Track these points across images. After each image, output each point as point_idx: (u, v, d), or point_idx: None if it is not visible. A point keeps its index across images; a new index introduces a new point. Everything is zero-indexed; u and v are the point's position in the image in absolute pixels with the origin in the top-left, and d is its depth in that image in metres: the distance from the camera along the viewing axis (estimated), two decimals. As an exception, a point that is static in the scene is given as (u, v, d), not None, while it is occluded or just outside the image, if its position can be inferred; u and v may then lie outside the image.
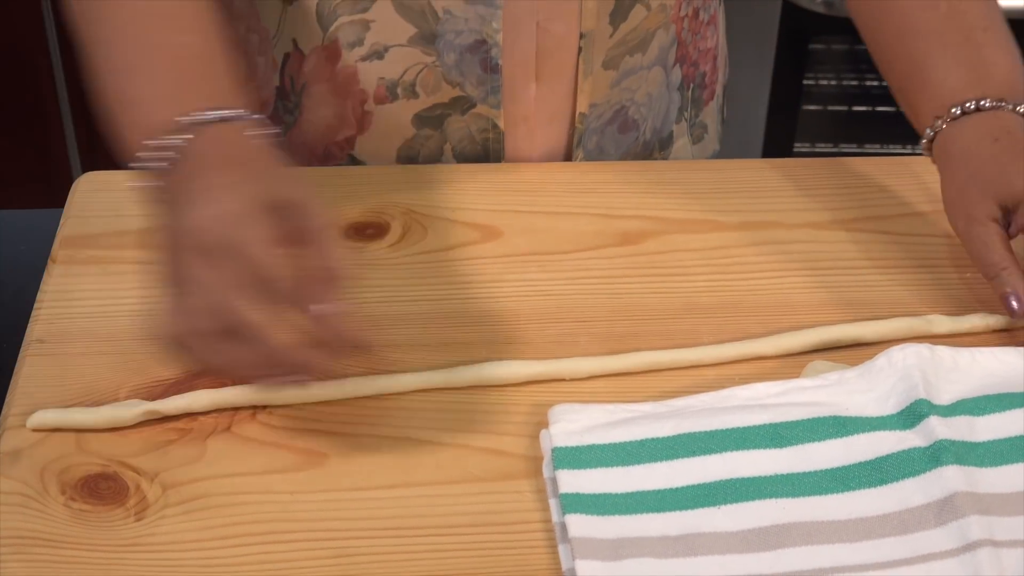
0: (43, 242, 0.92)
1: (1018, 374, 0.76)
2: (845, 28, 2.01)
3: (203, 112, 0.73)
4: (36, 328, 0.82)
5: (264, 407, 0.76)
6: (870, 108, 2.10)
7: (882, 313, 0.84)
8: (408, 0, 0.92)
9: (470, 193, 0.94)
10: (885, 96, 2.10)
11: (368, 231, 0.90)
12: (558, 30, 0.94)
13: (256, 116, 0.75)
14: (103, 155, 2.15)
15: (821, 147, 2.08)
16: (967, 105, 0.82)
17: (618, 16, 0.96)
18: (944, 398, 0.74)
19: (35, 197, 1.99)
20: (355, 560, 0.68)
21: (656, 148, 1.05)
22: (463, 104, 0.96)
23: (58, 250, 0.88)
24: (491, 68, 0.94)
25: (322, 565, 0.68)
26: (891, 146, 2.07)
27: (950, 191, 0.83)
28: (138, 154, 0.74)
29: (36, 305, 0.84)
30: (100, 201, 0.92)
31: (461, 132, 0.98)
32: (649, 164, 1.04)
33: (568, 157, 1.01)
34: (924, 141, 0.85)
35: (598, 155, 1.01)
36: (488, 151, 0.99)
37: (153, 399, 0.76)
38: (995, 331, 0.83)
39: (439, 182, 0.95)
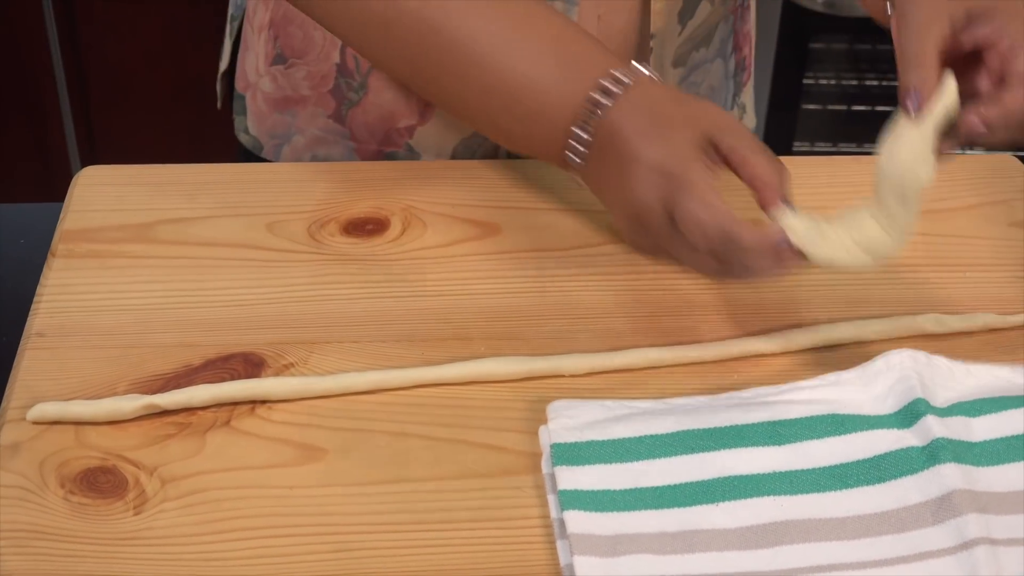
0: (43, 236, 0.92)
1: (1014, 388, 0.76)
2: (845, 27, 2.02)
3: (612, 79, 0.76)
4: (36, 322, 0.82)
5: (263, 402, 0.76)
6: (870, 107, 2.10)
7: (883, 311, 0.84)
8: None
9: (470, 189, 0.94)
10: (884, 95, 2.11)
11: (368, 227, 0.90)
12: (619, 23, 0.94)
13: (644, 68, 0.77)
14: (102, 149, 2.16)
15: (821, 146, 2.08)
16: None
17: (687, 14, 0.96)
18: (940, 401, 0.74)
19: (34, 191, 1.99)
20: (353, 555, 0.68)
21: None
22: None
23: (58, 244, 0.88)
24: None
25: (320, 560, 0.68)
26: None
27: None
28: (572, 128, 0.76)
29: (35, 299, 0.84)
30: (100, 195, 0.92)
31: None
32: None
33: None
34: None
35: None
36: None
37: (152, 393, 0.76)
38: (994, 330, 0.83)
39: (439, 178, 0.95)
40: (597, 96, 0.76)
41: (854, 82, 2.13)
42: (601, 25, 0.94)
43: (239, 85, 1.06)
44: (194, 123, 1.96)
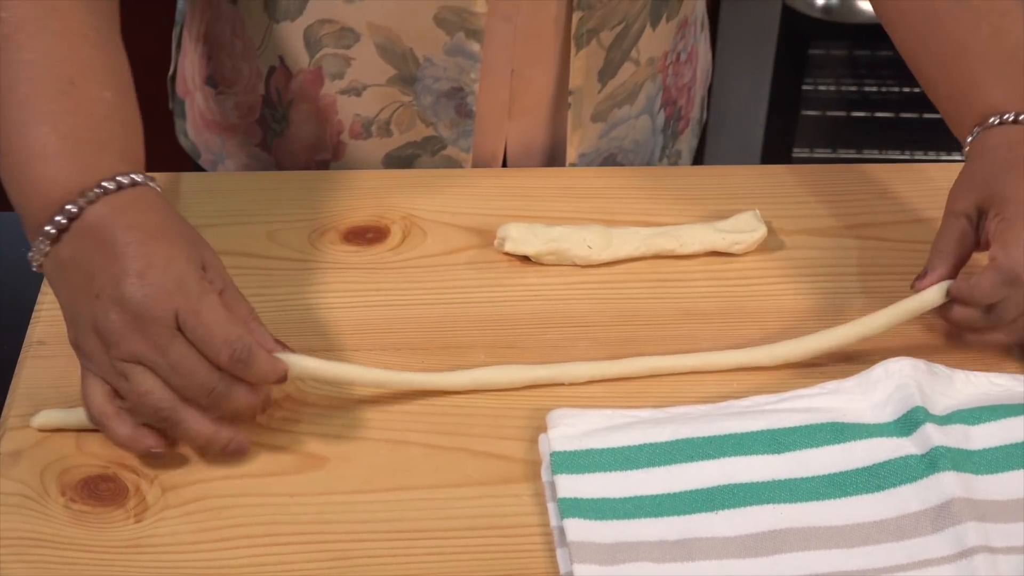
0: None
1: (1013, 396, 0.76)
2: (844, 34, 2.02)
3: (115, 177, 0.71)
4: (36, 330, 0.82)
5: (262, 409, 0.76)
6: (869, 113, 2.11)
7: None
8: (389, 44, 0.93)
9: (470, 198, 0.94)
10: (883, 102, 2.11)
11: (368, 235, 0.91)
12: (533, 75, 0.96)
13: (153, 183, 0.73)
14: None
15: (820, 152, 2.08)
16: (1005, 116, 0.82)
17: (607, 73, 0.97)
18: (939, 409, 0.75)
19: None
20: (353, 563, 0.68)
21: None
22: (434, 145, 0.98)
23: (59, 252, 0.88)
24: (466, 113, 0.96)
25: (320, 568, 0.68)
26: (889, 151, 2.07)
27: (954, 184, 0.84)
28: (45, 228, 0.71)
29: (36, 307, 0.84)
30: (101, 203, 0.92)
31: None
32: (648, 170, 1.05)
33: None
34: (966, 148, 0.84)
35: None
36: None
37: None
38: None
39: (439, 186, 0.95)
40: (98, 190, 0.71)
41: (853, 88, 2.14)
42: (515, 80, 0.96)
43: (179, 89, 1.07)
44: (158, 129, 1.96)
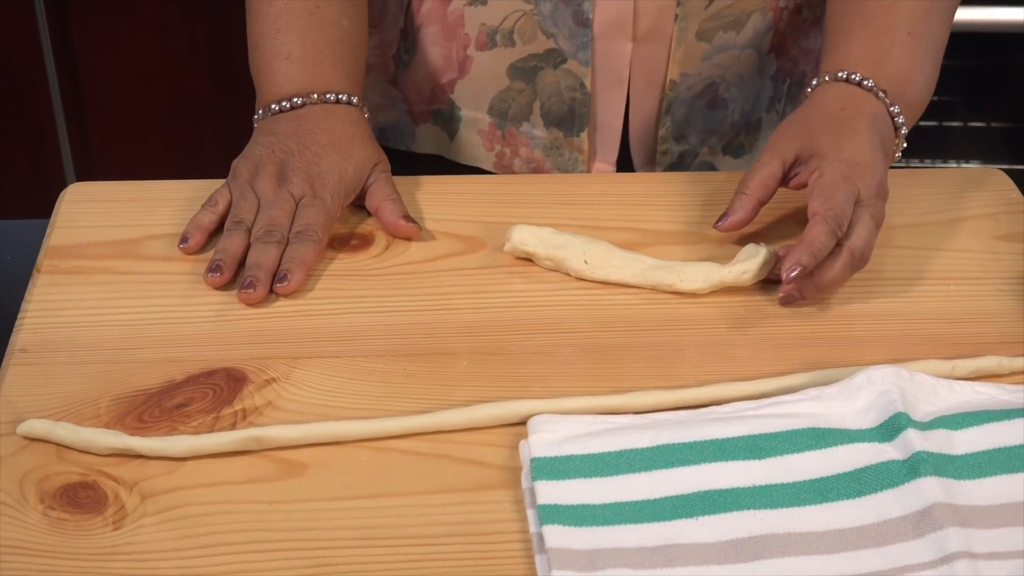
0: (32, 252, 0.92)
1: (997, 404, 0.76)
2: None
3: (337, 92, 0.92)
4: (20, 337, 0.82)
5: (244, 417, 0.76)
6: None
7: (871, 327, 0.84)
8: None
9: (456, 204, 0.94)
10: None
11: (353, 242, 0.91)
12: None
13: (361, 106, 0.94)
14: (97, 166, 2.15)
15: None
16: (852, 76, 0.87)
17: None
18: (920, 415, 0.74)
19: (31, 207, 1.99)
20: (332, 570, 0.68)
21: (743, 132, 1.07)
22: (555, 58, 1.00)
23: (43, 260, 0.88)
24: (582, 22, 0.98)
25: (299, 575, 0.68)
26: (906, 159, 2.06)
27: (781, 125, 0.88)
28: (270, 104, 0.93)
29: (20, 314, 0.84)
30: (86, 211, 0.93)
31: (551, 88, 1.01)
32: (639, 176, 1.05)
33: (656, 125, 1.03)
34: (807, 90, 0.90)
35: (685, 127, 1.04)
36: (574, 113, 1.02)
37: (135, 409, 0.77)
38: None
39: (425, 194, 0.95)
40: (319, 96, 0.93)
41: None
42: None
43: None
44: (189, 139, 1.97)
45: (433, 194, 0.95)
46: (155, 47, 1.90)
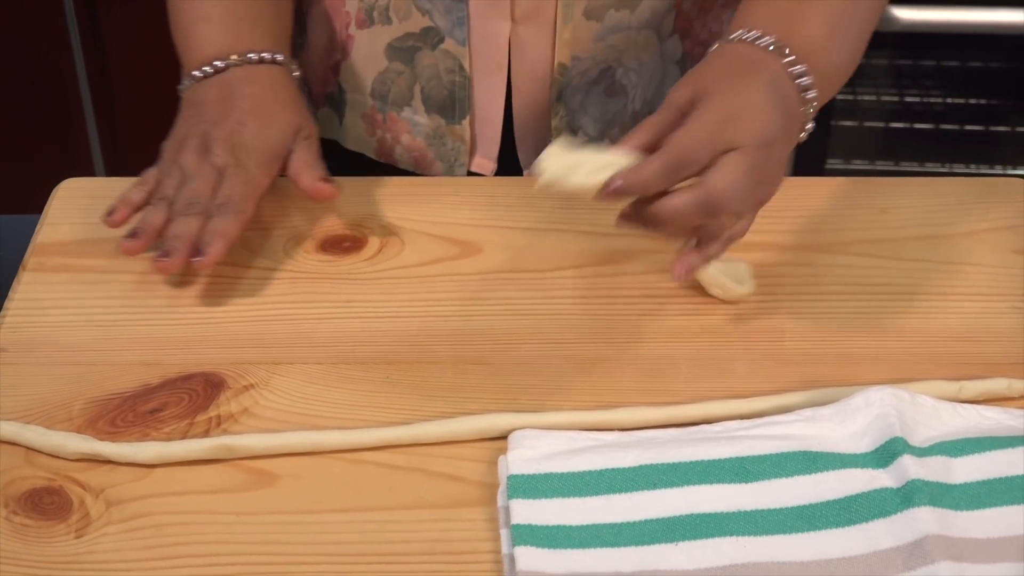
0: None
1: (1003, 430, 0.72)
2: (886, 43, 1.97)
3: (260, 52, 0.90)
4: (0, 336, 0.81)
5: (219, 424, 0.74)
6: (908, 125, 2.05)
7: (876, 344, 0.80)
8: None
9: (452, 207, 0.91)
10: (925, 113, 2.06)
11: (345, 244, 0.88)
12: None
13: (292, 65, 0.92)
14: (125, 159, 2.14)
15: (857, 164, 2.03)
16: (751, 33, 0.80)
17: None
18: (919, 440, 0.71)
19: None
20: (295, 587, 0.66)
21: None
22: (432, 37, 0.96)
23: (30, 257, 0.87)
24: None
25: (260, 591, 0.66)
26: (929, 164, 2.01)
27: (684, 75, 0.81)
28: (192, 71, 0.90)
29: (2, 312, 0.82)
30: (77, 208, 0.91)
31: (430, 71, 0.97)
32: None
33: (548, 116, 0.98)
34: (713, 47, 0.83)
35: (581, 116, 0.98)
36: (455, 98, 0.97)
37: (108, 413, 0.75)
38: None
39: (420, 194, 0.92)
40: (241, 57, 0.90)
41: (895, 98, 2.08)
42: None
43: None
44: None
45: (433, 196, 0.92)
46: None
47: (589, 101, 0.98)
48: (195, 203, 0.84)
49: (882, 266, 0.87)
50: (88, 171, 1.99)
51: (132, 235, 0.83)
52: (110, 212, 0.85)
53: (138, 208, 0.85)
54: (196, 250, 0.82)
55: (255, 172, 0.86)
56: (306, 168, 0.88)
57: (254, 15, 0.92)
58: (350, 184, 0.94)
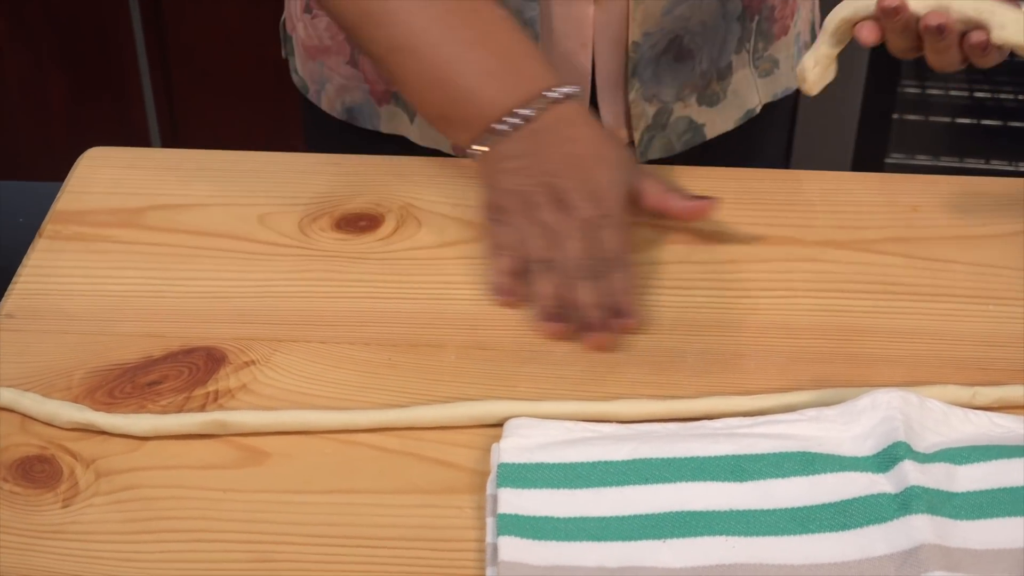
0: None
1: (1014, 437, 0.69)
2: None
3: (545, 92, 0.83)
4: (8, 303, 0.81)
5: (215, 399, 0.74)
6: (975, 120, 2.00)
7: (892, 344, 0.78)
8: None
9: (474, 188, 0.90)
10: (994, 108, 2.01)
11: (361, 223, 0.87)
12: None
13: (577, 91, 0.85)
14: (182, 131, 2.15)
15: (920, 159, 1.98)
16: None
17: None
18: (924, 445, 0.68)
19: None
20: (276, 566, 0.65)
21: (714, 78, 1.00)
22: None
23: (47, 224, 0.87)
24: None
25: (240, 569, 0.65)
26: (995, 161, 1.96)
27: None
28: (493, 126, 0.83)
29: (14, 279, 0.83)
30: (99, 178, 0.91)
31: None
32: (663, 169, 0.99)
33: (625, 89, 0.97)
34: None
35: (655, 85, 0.98)
36: None
37: (108, 384, 0.75)
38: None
39: (443, 176, 0.91)
40: (543, 99, 0.83)
41: (964, 93, 2.03)
42: None
43: (288, 26, 1.07)
44: (274, 111, 1.96)
45: (454, 176, 0.91)
46: (241, 14, 1.90)
47: (661, 69, 0.98)
48: (584, 265, 0.79)
49: (908, 265, 0.84)
50: (145, 143, 2.01)
51: (555, 318, 0.79)
52: (498, 289, 0.82)
53: (518, 274, 0.81)
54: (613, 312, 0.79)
55: (623, 217, 0.81)
56: (667, 194, 0.84)
57: (525, 49, 0.85)
58: (373, 163, 0.93)
